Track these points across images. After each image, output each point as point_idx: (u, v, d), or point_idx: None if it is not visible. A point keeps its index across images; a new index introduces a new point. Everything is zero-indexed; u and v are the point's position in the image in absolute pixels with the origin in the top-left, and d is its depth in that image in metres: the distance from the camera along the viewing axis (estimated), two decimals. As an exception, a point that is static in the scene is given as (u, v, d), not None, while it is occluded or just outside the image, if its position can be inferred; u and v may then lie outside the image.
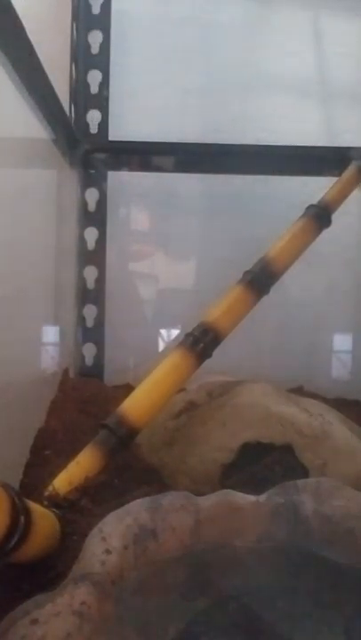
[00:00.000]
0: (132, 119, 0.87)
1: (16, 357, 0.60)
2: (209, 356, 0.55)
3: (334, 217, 0.63)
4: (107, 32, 0.84)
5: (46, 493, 0.46)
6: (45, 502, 0.44)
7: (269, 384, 0.60)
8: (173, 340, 0.86)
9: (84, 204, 0.86)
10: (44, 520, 0.37)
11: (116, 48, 0.85)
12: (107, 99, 0.85)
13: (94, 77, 0.85)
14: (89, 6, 0.84)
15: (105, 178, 0.87)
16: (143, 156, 0.84)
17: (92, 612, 0.28)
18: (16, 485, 0.53)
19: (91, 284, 0.86)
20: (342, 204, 0.64)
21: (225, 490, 0.37)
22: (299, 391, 0.79)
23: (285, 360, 0.88)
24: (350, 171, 0.65)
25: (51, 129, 0.67)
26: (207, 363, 0.55)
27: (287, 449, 0.50)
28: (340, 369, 0.90)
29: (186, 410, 0.59)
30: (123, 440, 0.50)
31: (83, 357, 0.86)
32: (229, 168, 0.85)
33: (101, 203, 0.86)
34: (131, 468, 0.53)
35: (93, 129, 0.85)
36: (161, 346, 0.90)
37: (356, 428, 0.59)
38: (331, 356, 0.90)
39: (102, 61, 0.85)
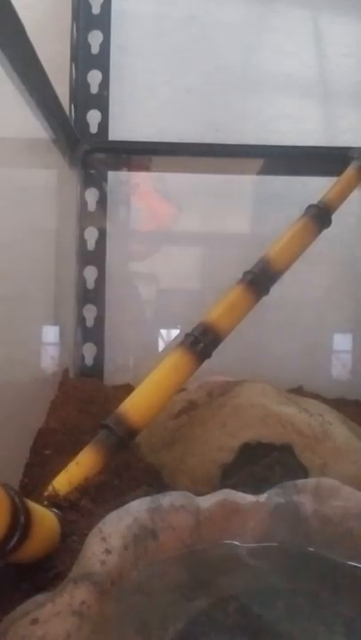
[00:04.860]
0: (132, 119, 0.87)
1: (16, 357, 0.60)
2: (209, 356, 0.55)
3: (334, 217, 0.63)
4: (107, 32, 0.85)
5: (46, 493, 0.46)
6: (45, 502, 0.44)
7: (269, 384, 0.60)
8: (173, 340, 0.86)
9: (84, 204, 0.86)
10: (44, 520, 0.37)
11: (116, 48, 0.85)
12: (107, 99, 0.85)
13: (94, 77, 0.85)
14: (89, 6, 0.84)
15: (105, 178, 0.87)
16: (143, 155, 0.84)
17: (92, 612, 0.28)
18: (16, 485, 0.53)
19: (91, 284, 0.86)
20: (342, 203, 0.64)
21: (225, 490, 0.37)
22: (299, 391, 0.80)
23: (285, 360, 0.88)
24: (350, 171, 0.65)
25: (51, 129, 0.67)
26: (207, 363, 0.55)
27: (287, 449, 0.50)
28: (340, 369, 0.90)
29: (186, 410, 0.59)
30: (123, 440, 0.50)
31: (83, 357, 0.86)
32: (229, 168, 0.85)
33: (101, 203, 0.86)
34: (131, 468, 0.53)
35: (93, 129, 0.85)
36: (161, 346, 0.90)
37: (357, 428, 0.59)
38: (331, 356, 0.90)
39: (102, 61, 0.85)
